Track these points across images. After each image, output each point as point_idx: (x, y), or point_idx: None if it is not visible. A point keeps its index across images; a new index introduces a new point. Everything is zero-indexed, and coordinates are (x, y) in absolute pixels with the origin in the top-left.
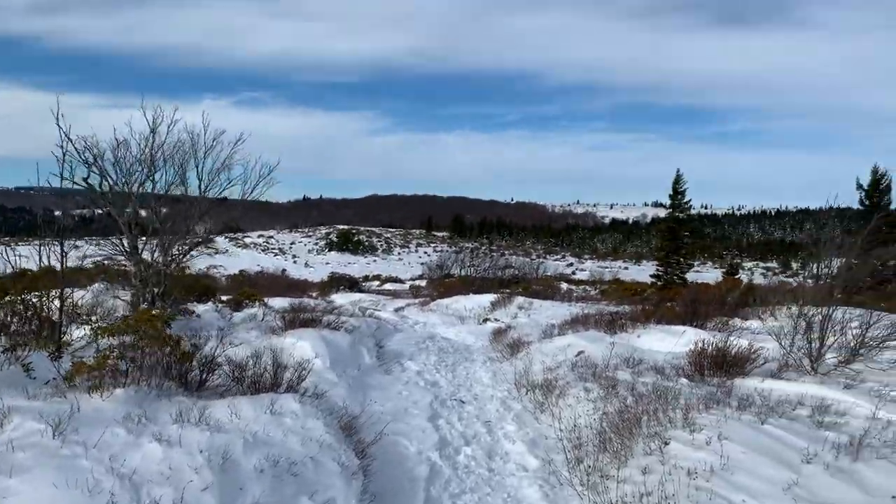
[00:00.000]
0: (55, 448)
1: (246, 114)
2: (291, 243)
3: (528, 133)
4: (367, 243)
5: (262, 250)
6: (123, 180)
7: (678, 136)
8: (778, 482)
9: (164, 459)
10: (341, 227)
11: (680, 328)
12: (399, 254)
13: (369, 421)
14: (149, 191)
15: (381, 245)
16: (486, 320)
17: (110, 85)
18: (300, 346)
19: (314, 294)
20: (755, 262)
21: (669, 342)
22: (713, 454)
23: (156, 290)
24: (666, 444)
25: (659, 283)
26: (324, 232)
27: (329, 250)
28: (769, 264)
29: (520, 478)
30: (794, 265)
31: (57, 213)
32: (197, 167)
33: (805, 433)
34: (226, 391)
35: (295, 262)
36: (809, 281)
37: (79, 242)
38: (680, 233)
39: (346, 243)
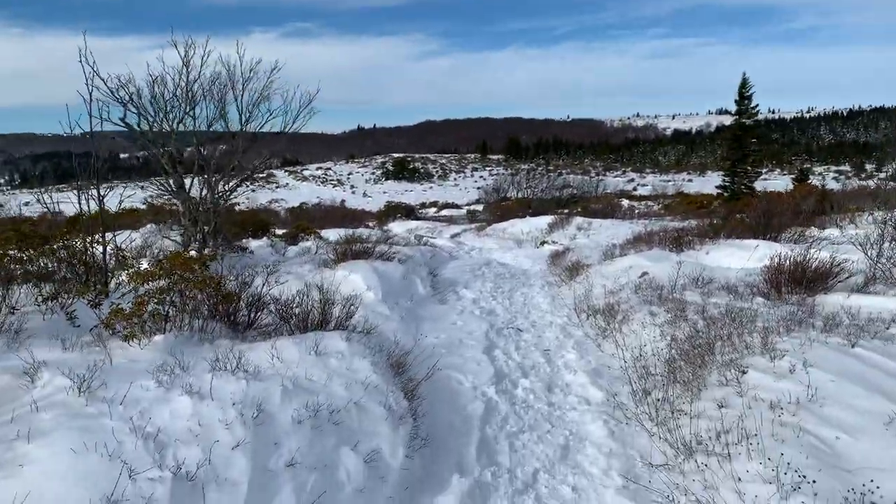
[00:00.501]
0: (79, 407)
1: (295, 46)
2: (349, 174)
3: (583, 44)
4: (422, 170)
5: (321, 182)
6: (161, 117)
7: (742, 37)
8: (876, 415)
9: (194, 415)
10: (396, 155)
11: (752, 242)
12: (454, 179)
13: (421, 356)
14: (189, 128)
15: (437, 171)
16: (543, 243)
17: (152, 25)
18: (352, 278)
19: (371, 223)
20: (826, 167)
21: (741, 258)
22: (798, 384)
23: (206, 228)
24: (743, 372)
25: (725, 194)
26: (379, 161)
27: (385, 179)
28: (841, 168)
29: (582, 412)
30: (869, 167)
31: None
32: (236, 100)
33: None
34: (274, 331)
35: (353, 192)
36: (892, 182)
37: (128, 184)
38: (746, 140)
39: (401, 171)
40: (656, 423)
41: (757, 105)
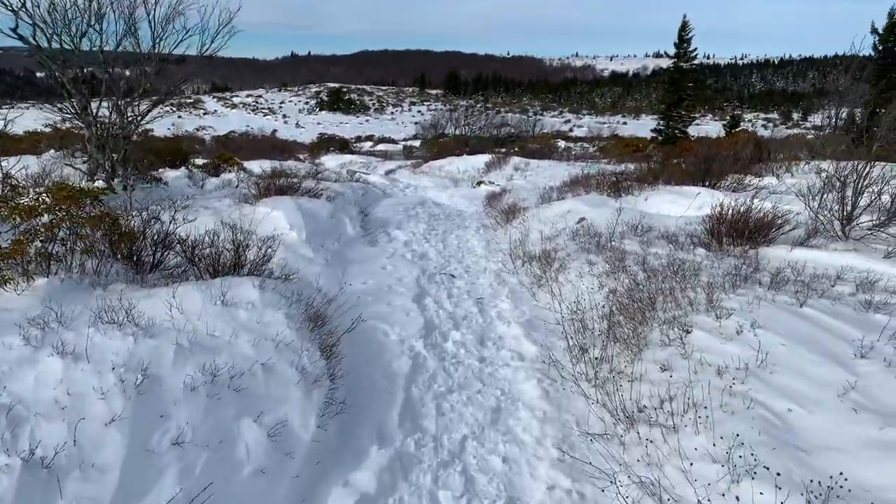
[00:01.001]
0: None
1: None
2: (281, 103)
3: None
4: (358, 102)
5: (252, 110)
6: (61, 30)
7: None
8: (830, 385)
9: (63, 381)
10: (332, 85)
11: (692, 189)
12: (392, 113)
13: (346, 304)
14: (96, 46)
15: (374, 104)
16: (480, 183)
17: None
18: (274, 216)
19: (303, 156)
20: (756, 114)
21: (681, 205)
22: (747, 347)
23: (114, 156)
24: (687, 332)
25: (660, 138)
26: (314, 90)
27: (320, 110)
28: (770, 115)
29: (515, 369)
30: (795, 115)
31: None
32: (148, 15)
33: (853, 318)
34: (182, 274)
35: (286, 122)
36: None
37: (42, 106)
38: (683, 84)
39: (337, 102)
40: (594, 385)
41: (696, 49)
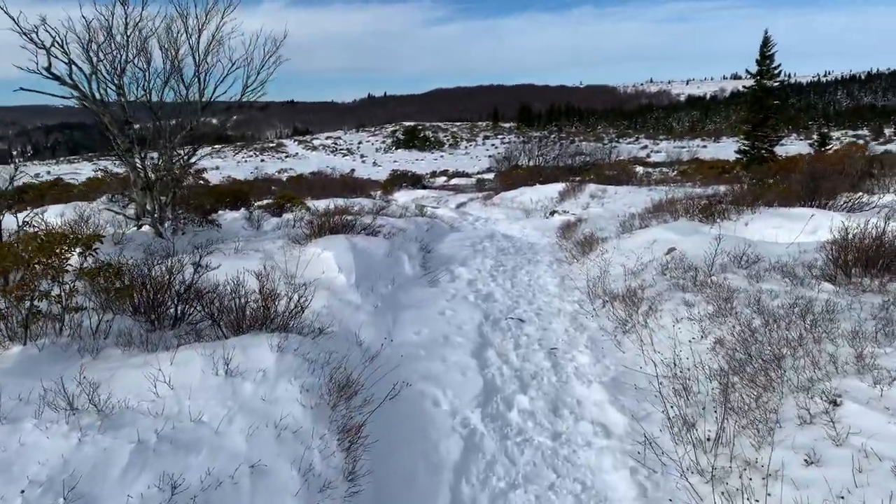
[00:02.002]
0: None
1: (302, 14)
2: (359, 143)
3: (597, 9)
4: (433, 139)
5: (331, 151)
6: (97, 66)
7: (759, 1)
8: None
9: None
10: (407, 123)
11: (803, 211)
12: (466, 148)
13: (390, 363)
14: (142, 89)
15: (448, 140)
16: (553, 213)
17: None
18: (324, 257)
19: (376, 193)
20: (844, 131)
21: (790, 230)
22: None
23: (162, 199)
24: (835, 403)
25: (744, 159)
26: (390, 129)
27: (396, 148)
28: (859, 132)
29: (599, 450)
30: (888, 131)
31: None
32: (190, 47)
33: None
34: (208, 330)
35: (363, 161)
36: None
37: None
38: (767, 102)
39: (412, 140)
40: (709, 481)
41: (779, 65)
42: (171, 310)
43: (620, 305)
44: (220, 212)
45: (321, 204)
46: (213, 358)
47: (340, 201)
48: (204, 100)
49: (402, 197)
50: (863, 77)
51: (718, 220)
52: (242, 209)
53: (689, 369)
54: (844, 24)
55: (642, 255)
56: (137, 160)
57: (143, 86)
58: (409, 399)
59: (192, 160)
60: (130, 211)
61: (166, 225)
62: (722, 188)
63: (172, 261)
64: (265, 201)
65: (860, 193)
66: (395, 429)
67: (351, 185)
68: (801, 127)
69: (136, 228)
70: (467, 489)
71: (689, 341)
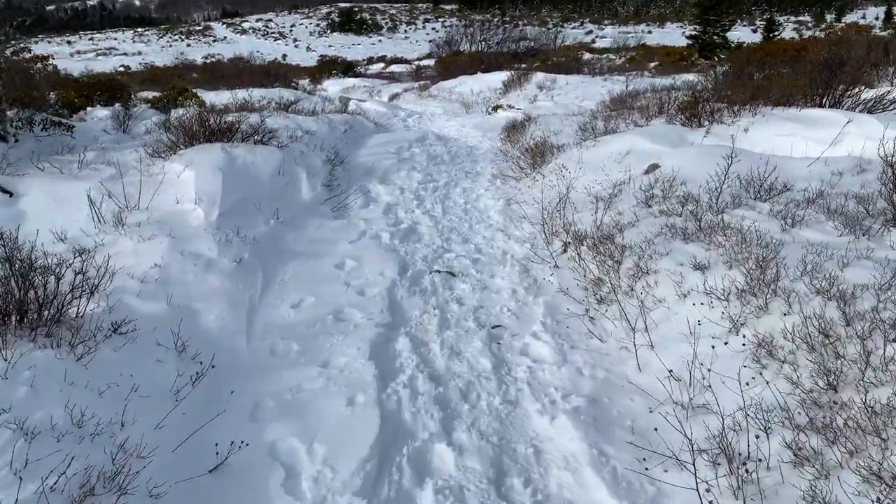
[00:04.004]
0: None
1: None
2: (291, 26)
3: None
4: (370, 22)
5: (262, 35)
6: None
7: None
8: None
9: None
10: (343, 5)
11: (824, 114)
12: (405, 32)
13: (231, 377)
14: None
15: (387, 23)
16: (497, 108)
17: None
18: (184, 178)
19: (302, 82)
20: (786, 17)
21: (809, 140)
22: None
23: None
24: None
25: (696, 45)
26: (324, 12)
27: (331, 32)
28: (801, 18)
29: None
30: (829, 17)
31: None
32: None
33: None
34: None
35: (296, 45)
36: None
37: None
38: None
39: (348, 23)
40: None
41: None
42: None
43: (590, 254)
44: (88, 109)
45: (224, 97)
46: None
47: (256, 92)
48: None
49: (332, 86)
50: None
51: (707, 124)
52: (117, 105)
53: (715, 384)
54: None
55: (611, 172)
56: None
57: None
58: (246, 472)
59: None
60: None
61: None
62: (690, 77)
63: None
64: (152, 94)
65: (889, 88)
66: None
67: (274, 73)
68: (743, 13)
69: None
70: None
71: (712, 338)
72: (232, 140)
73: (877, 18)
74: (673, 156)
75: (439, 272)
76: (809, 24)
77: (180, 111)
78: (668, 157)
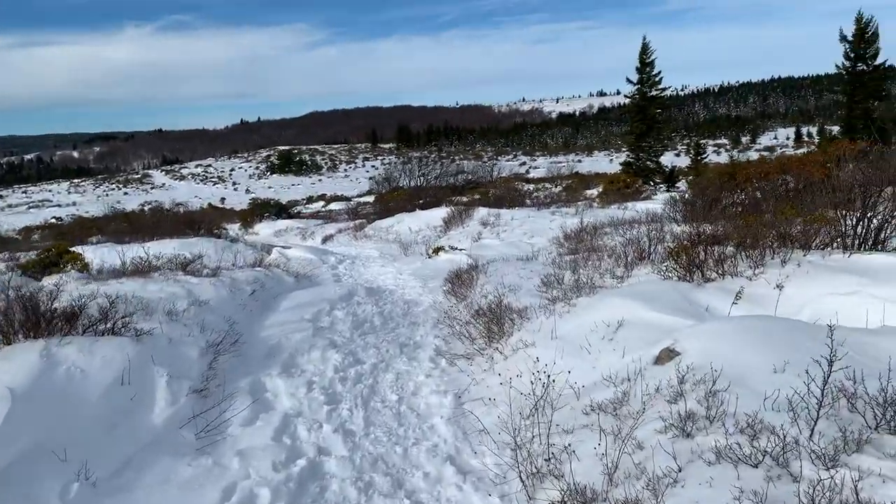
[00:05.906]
0: None
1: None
2: (231, 170)
3: (469, 31)
4: (310, 162)
5: (201, 180)
6: None
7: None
8: None
9: None
10: (282, 148)
11: (890, 260)
12: (345, 170)
13: None
14: None
15: (326, 163)
16: (438, 250)
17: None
18: None
19: (232, 227)
20: (704, 141)
21: (880, 299)
22: None
23: None
24: None
25: (631, 171)
26: (264, 155)
27: (271, 173)
28: (719, 141)
29: None
30: (744, 139)
31: None
32: None
33: None
34: None
35: (236, 189)
36: None
37: None
38: (651, 111)
39: (287, 164)
40: None
41: (660, 72)
42: None
43: None
44: None
45: (129, 253)
46: None
47: (170, 245)
48: None
49: (265, 229)
50: (716, 90)
51: (717, 278)
52: None
53: None
54: (696, 41)
55: (602, 356)
56: None
57: None
58: None
59: None
60: None
61: None
62: (645, 206)
63: None
64: (31, 256)
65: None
66: None
67: (199, 221)
68: (665, 139)
69: None
70: None
71: None
72: (70, 332)
73: (788, 139)
74: (695, 336)
75: None
76: (727, 147)
77: (55, 278)
78: (689, 337)
